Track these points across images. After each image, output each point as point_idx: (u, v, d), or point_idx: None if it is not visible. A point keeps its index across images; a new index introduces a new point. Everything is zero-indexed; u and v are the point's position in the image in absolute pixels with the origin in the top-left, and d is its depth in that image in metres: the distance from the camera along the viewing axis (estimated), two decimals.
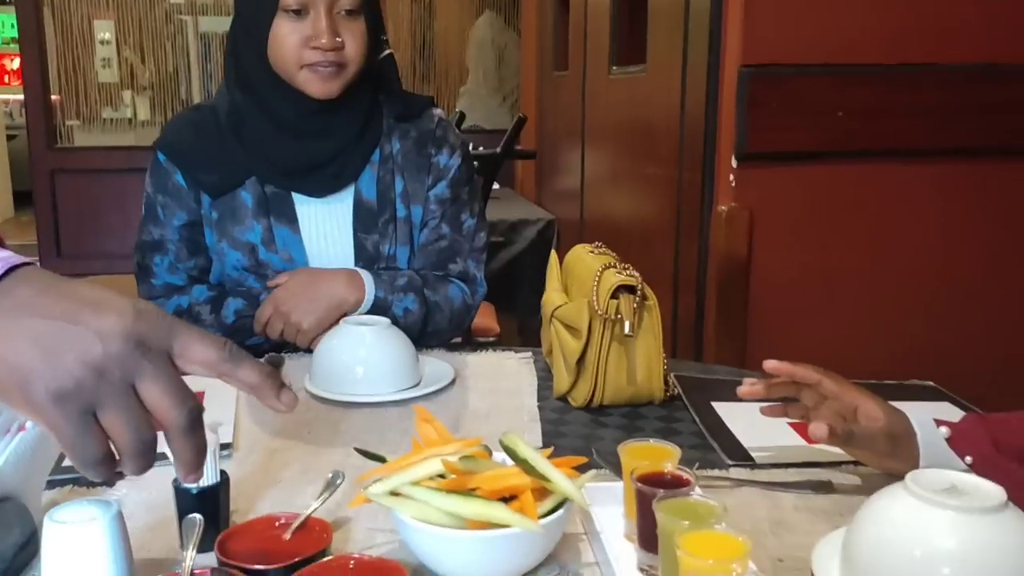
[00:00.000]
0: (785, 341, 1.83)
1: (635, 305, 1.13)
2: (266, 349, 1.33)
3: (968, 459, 0.83)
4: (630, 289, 1.13)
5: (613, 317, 1.12)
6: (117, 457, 0.54)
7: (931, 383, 1.35)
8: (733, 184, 1.79)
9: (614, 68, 2.71)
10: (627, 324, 1.11)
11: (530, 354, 1.35)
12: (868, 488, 0.89)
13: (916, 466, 0.84)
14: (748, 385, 0.95)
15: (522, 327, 3.75)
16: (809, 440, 1.04)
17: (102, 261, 4.25)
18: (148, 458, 0.55)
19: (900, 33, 1.74)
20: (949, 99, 1.76)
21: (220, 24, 5.14)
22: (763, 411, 0.97)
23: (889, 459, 0.87)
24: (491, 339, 2.49)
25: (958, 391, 1.37)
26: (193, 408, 0.55)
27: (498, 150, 2.98)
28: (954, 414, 1.16)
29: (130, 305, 0.54)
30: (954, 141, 1.78)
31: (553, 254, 1.39)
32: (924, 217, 1.83)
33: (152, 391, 0.53)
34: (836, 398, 0.91)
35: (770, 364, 0.93)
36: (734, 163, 1.78)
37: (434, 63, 5.29)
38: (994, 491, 0.69)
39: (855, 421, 0.89)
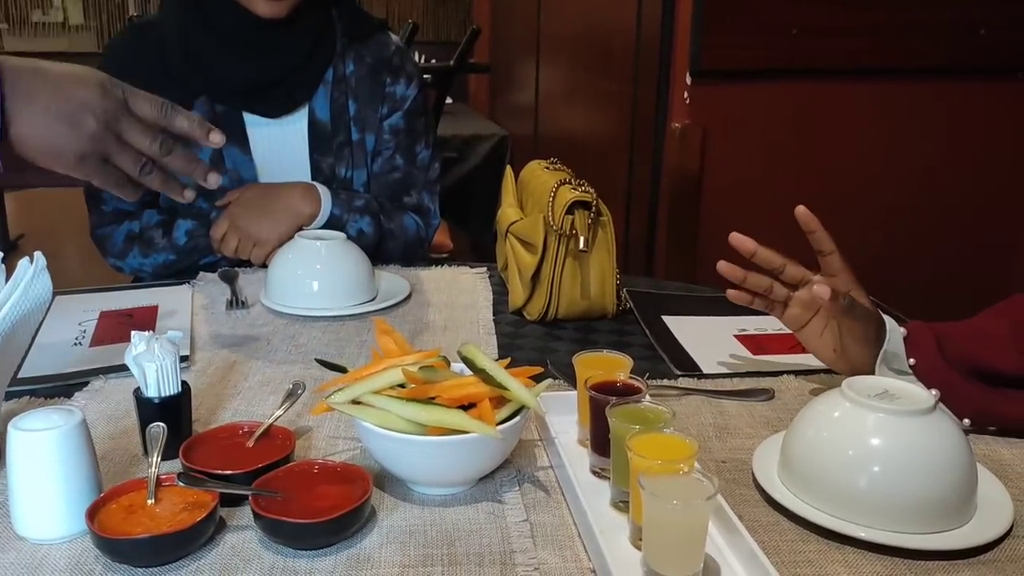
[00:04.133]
0: (734, 257, 1.87)
1: (589, 221, 1.14)
2: (222, 266, 1.33)
3: (911, 361, 0.88)
4: (585, 205, 1.15)
5: (568, 233, 1.13)
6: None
7: (871, 298, 1.40)
8: (687, 101, 1.79)
9: None
10: (582, 240, 1.13)
11: (485, 269, 1.37)
12: (807, 397, 0.94)
13: (874, 362, 0.87)
14: (738, 238, 0.95)
15: (475, 243, 3.76)
16: (754, 351, 1.09)
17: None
18: (171, 147, 0.83)
19: None
20: (899, 18, 1.77)
21: None
22: (730, 295, 0.97)
23: (862, 344, 0.88)
24: (444, 255, 2.51)
25: (896, 306, 1.43)
26: (165, 140, 0.82)
27: (451, 63, 2.92)
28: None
29: (96, 79, 0.80)
30: (902, 60, 1.81)
31: (508, 170, 1.39)
32: (869, 135, 1.87)
33: (133, 135, 0.81)
34: (835, 275, 0.93)
35: (802, 209, 0.94)
36: (688, 80, 1.78)
37: None
38: (923, 396, 0.73)
39: None
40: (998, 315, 0.96)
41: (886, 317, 0.90)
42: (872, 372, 0.88)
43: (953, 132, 1.89)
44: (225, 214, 1.31)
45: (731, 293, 0.96)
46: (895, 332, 0.89)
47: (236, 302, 1.19)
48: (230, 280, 1.26)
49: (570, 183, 1.18)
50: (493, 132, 3.39)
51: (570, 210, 1.14)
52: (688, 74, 1.78)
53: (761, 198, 1.87)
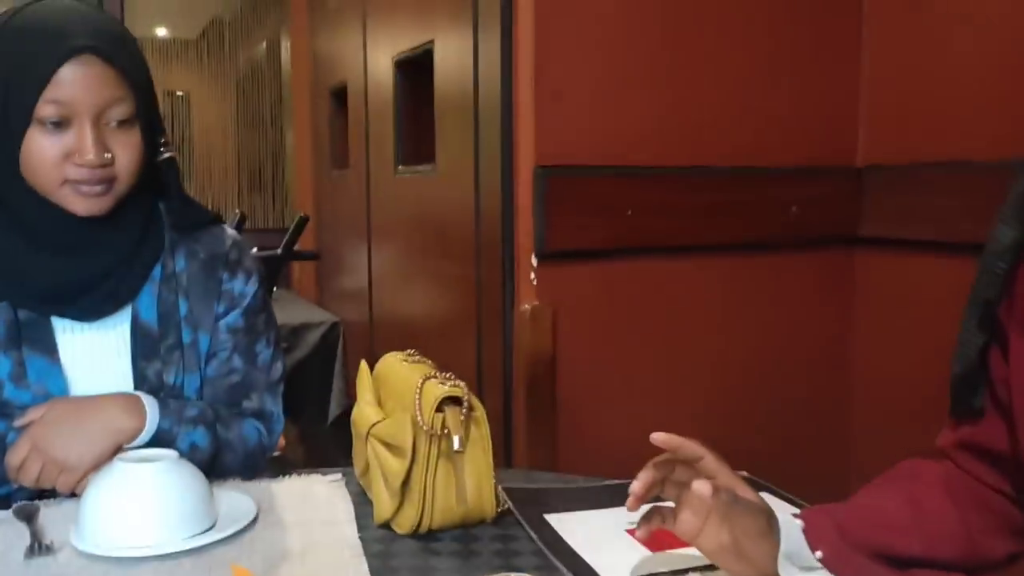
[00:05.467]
0: (595, 437, 1.83)
1: (463, 417, 1.05)
2: (19, 499, 1.10)
3: (819, 554, 0.82)
4: (456, 400, 1.05)
5: (440, 432, 1.03)
6: None
7: (745, 473, 1.37)
8: (535, 282, 1.78)
9: (400, 167, 2.69)
10: (456, 439, 1.03)
11: (340, 476, 1.22)
12: None
13: (775, 561, 0.80)
14: (635, 497, 0.86)
15: (305, 436, 3.53)
16: (652, 548, 1.01)
17: None
18: None
19: (676, 137, 1.85)
20: (723, 198, 1.88)
21: None
22: (639, 536, 0.88)
23: (758, 540, 0.81)
24: (276, 453, 2.30)
25: (763, 476, 1.40)
26: None
27: (279, 251, 2.83)
28: (776, 504, 1.17)
29: None
30: (728, 237, 1.90)
31: (363, 364, 1.28)
32: (708, 308, 1.93)
33: None
34: (713, 476, 0.87)
35: (658, 437, 0.87)
36: (535, 262, 1.78)
37: (193, 161, 5.05)
38: None
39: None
40: (892, 489, 0.93)
41: (779, 513, 0.85)
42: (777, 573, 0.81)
43: (777, 301, 1.99)
44: (26, 435, 1.10)
45: (640, 534, 0.87)
46: (791, 527, 0.83)
47: (38, 546, 0.97)
48: (28, 517, 1.03)
49: (436, 377, 1.09)
50: (323, 319, 3.27)
51: (440, 407, 1.04)
52: (533, 255, 1.78)
53: (615, 375, 1.86)
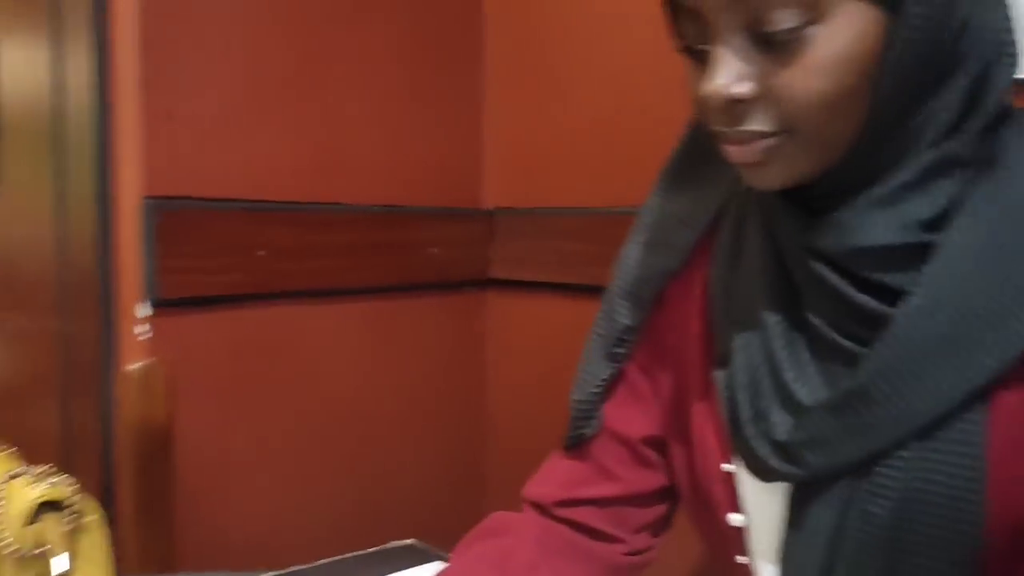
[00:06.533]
0: (223, 522, 1.55)
1: (68, 527, 0.76)
2: None
3: None
4: (57, 506, 0.76)
5: (36, 552, 0.73)
6: None
7: (413, 541, 1.24)
8: (146, 336, 1.47)
9: None
10: (61, 558, 0.74)
11: None
12: None
13: None
14: None
15: None
16: None
17: None
18: None
19: (314, 172, 1.69)
20: (360, 238, 1.75)
21: None
22: None
23: None
24: None
25: (426, 536, 1.29)
26: None
27: None
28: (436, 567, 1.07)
29: None
30: (366, 279, 1.78)
31: None
32: (351, 357, 1.77)
33: None
34: None
35: None
36: (146, 311, 1.47)
37: None
38: None
39: None
40: (480, 550, 0.87)
41: None
42: None
43: (419, 346, 1.91)
44: None
45: None
46: None
47: None
48: None
49: (27, 474, 0.78)
50: None
51: (36, 516, 0.74)
52: (142, 305, 1.47)
53: (247, 446, 1.60)
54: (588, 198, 1.77)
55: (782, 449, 0.66)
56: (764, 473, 0.68)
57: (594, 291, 0.92)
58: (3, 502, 0.74)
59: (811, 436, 0.64)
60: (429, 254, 1.87)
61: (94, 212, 1.54)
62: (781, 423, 0.66)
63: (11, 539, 0.73)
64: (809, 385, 0.65)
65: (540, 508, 0.86)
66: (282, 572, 1.10)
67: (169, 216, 1.48)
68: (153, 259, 1.46)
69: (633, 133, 1.70)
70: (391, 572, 1.14)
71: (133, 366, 1.47)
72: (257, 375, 1.61)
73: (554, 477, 0.87)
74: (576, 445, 0.85)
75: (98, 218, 1.54)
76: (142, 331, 1.47)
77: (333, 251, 1.70)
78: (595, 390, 0.83)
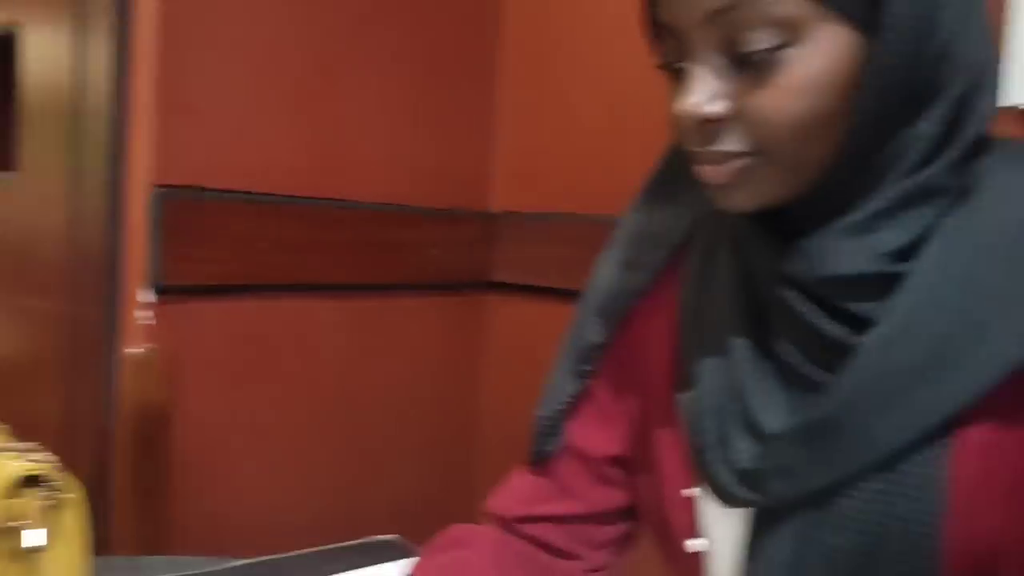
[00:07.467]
0: (220, 507, 1.58)
1: (47, 504, 0.79)
2: None
3: None
4: (36, 480, 0.79)
5: (13, 525, 0.76)
6: None
7: (396, 536, 1.25)
8: (150, 321, 1.51)
9: None
10: (38, 533, 0.77)
11: None
12: None
13: None
14: None
15: None
16: None
17: None
18: None
19: (319, 167, 1.72)
20: (360, 235, 1.78)
21: None
22: None
23: None
24: None
25: (417, 531, 1.30)
26: None
27: None
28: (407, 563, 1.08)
29: None
30: (365, 276, 1.81)
31: None
32: (348, 352, 1.80)
33: None
34: None
35: None
36: (149, 298, 1.51)
37: None
38: None
39: None
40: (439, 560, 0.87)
41: None
42: None
43: (415, 345, 1.93)
44: None
45: None
46: None
47: None
48: None
49: (10, 450, 0.82)
50: None
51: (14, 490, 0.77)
52: (146, 291, 1.50)
53: (244, 432, 1.64)
54: (594, 204, 1.79)
55: (745, 476, 0.65)
56: (726, 499, 0.67)
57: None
58: None
59: (775, 464, 0.63)
60: (429, 254, 1.89)
61: (105, 198, 1.58)
62: (745, 450, 0.65)
63: None
64: (775, 412, 0.64)
65: (501, 522, 0.85)
66: (258, 559, 1.12)
67: (177, 205, 1.52)
68: (159, 246, 1.50)
69: (641, 141, 1.71)
70: (369, 565, 1.15)
71: (134, 350, 1.51)
72: (254, 365, 1.65)
73: (516, 492, 0.86)
74: (539, 461, 0.84)
75: (109, 204, 1.58)
76: (144, 316, 1.51)
77: (334, 247, 1.73)
78: (559, 407, 0.83)
